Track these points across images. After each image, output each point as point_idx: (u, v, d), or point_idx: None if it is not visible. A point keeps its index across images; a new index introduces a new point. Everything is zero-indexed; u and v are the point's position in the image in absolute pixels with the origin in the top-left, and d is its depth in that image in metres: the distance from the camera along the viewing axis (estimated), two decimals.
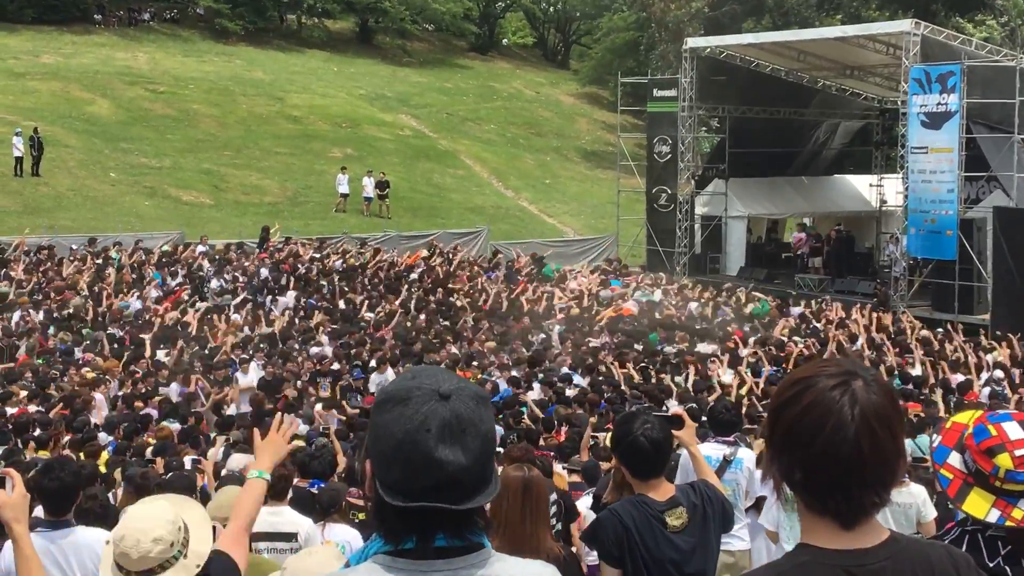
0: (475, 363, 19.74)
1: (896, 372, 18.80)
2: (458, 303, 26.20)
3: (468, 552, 2.35)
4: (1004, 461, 3.29)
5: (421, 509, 2.28)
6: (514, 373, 18.86)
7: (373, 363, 19.71)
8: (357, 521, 8.31)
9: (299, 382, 18.62)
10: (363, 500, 8.08)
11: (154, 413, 16.04)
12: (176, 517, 4.23)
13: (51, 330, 21.81)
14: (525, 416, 14.60)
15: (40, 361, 19.88)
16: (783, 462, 2.40)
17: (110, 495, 9.87)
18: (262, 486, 4.73)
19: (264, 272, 28.43)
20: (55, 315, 23.00)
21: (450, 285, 28.26)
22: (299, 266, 29.30)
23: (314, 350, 20.94)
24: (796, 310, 27.30)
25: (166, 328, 22.51)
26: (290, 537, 7.39)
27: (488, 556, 2.39)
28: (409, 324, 23.60)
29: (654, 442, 5.11)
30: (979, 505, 3.31)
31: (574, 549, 7.83)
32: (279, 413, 4.31)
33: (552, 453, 11.80)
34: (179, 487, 7.55)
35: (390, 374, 18.58)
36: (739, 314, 26.38)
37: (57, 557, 6.18)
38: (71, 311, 23.16)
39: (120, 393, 17.61)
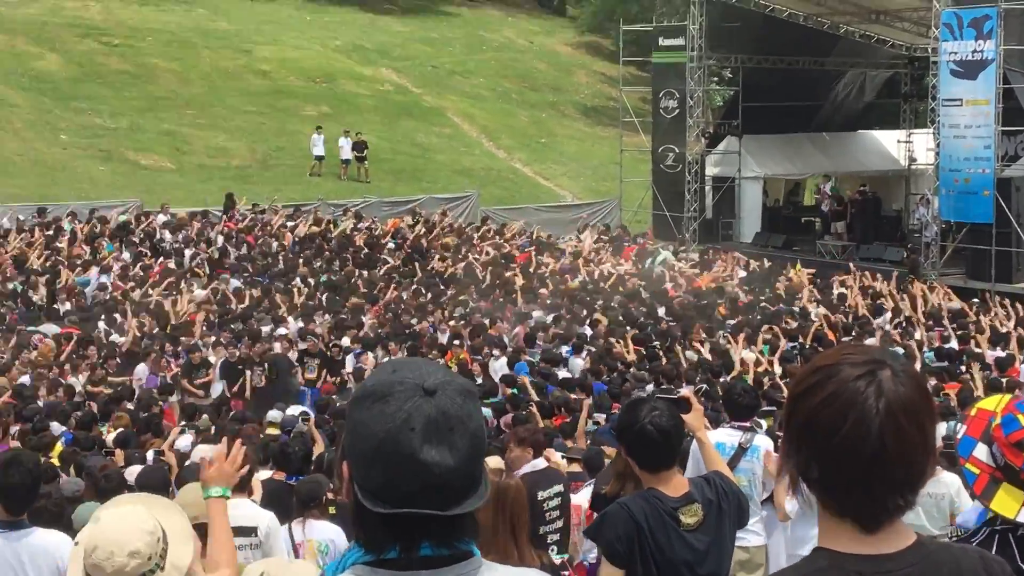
0: (456, 342, 19.69)
1: (931, 348, 18.71)
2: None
3: (455, 561, 2.34)
4: None
5: (405, 515, 2.27)
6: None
7: (346, 342, 19.71)
8: (330, 513, 8.28)
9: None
10: (334, 494, 8.09)
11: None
12: (155, 527, 4.20)
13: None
14: (533, 407, 14.48)
15: None
16: (800, 457, 2.38)
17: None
18: (225, 505, 4.83)
19: (220, 240, 28.40)
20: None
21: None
22: (264, 237, 29.32)
23: (281, 331, 20.83)
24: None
25: (133, 305, 22.44)
26: (249, 532, 7.25)
27: (477, 565, 2.37)
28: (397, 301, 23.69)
29: (663, 430, 5.04)
30: (1008, 504, 3.28)
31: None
32: (229, 440, 4.43)
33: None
34: (153, 483, 7.49)
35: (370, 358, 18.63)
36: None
37: (11, 560, 6.18)
38: (15, 287, 23.16)
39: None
